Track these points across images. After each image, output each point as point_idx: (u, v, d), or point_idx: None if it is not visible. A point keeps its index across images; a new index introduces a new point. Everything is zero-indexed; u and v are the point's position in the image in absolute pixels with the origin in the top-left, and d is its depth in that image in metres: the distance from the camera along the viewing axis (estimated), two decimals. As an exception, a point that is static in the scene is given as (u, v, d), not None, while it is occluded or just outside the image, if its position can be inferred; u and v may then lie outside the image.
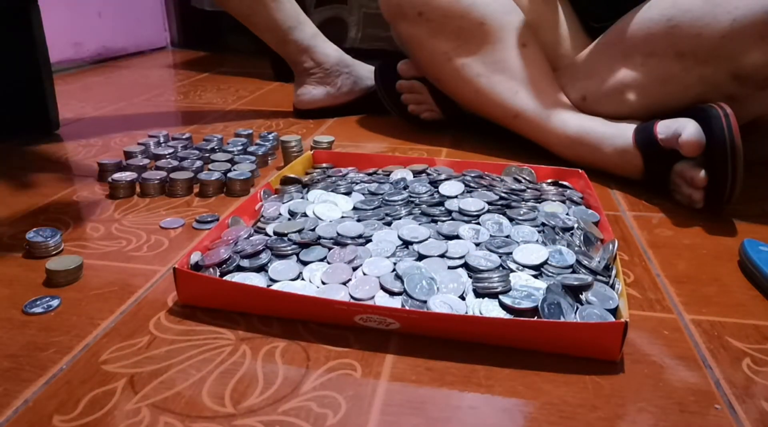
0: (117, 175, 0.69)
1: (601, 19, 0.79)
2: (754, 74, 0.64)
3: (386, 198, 0.61)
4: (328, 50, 1.05)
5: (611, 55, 0.75)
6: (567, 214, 0.58)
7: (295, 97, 1.06)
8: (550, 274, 0.47)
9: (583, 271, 0.47)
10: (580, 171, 0.67)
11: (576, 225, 0.56)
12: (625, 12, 0.74)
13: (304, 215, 0.57)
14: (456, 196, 0.61)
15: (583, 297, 0.44)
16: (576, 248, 0.50)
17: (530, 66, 0.80)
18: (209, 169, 0.73)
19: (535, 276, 0.47)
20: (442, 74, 0.85)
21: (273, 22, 1.01)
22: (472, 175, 0.67)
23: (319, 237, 0.53)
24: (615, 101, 0.75)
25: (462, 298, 0.44)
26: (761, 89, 0.66)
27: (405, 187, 0.64)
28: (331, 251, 0.50)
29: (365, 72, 1.07)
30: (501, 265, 0.48)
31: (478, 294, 0.45)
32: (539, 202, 0.61)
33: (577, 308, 0.43)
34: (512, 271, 0.47)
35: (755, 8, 0.61)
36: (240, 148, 0.81)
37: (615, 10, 0.76)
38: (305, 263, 0.49)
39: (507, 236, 0.53)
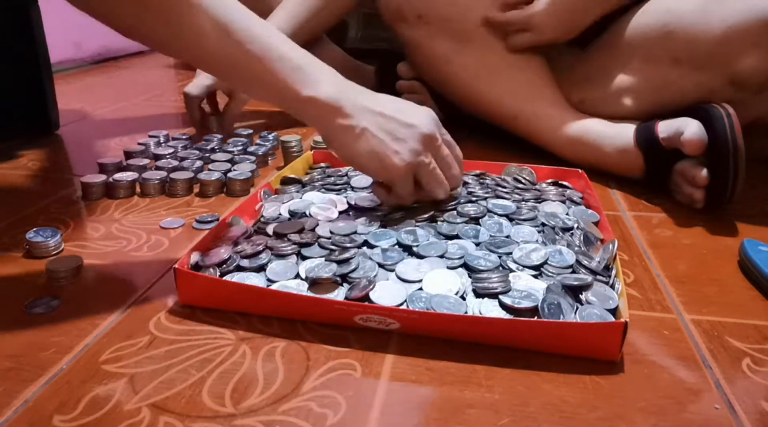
0: (118, 175, 0.69)
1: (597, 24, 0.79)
2: (749, 80, 0.64)
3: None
4: (333, 53, 1.05)
5: (609, 59, 0.75)
6: (567, 214, 0.58)
7: None
8: (550, 274, 0.47)
9: (583, 271, 0.47)
10: (580, 171, 0.68)
11: (576, 225, 0.56)
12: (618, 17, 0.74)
13: (304, 214, 0.57)
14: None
15: (583, 297, 0.44)
16: (576, 248, 0.50)
17: (529, 68, 0.80)
18: (209, 169, 0.73)
19: (535, 276, 0.47)
20: (442, 76, 0.85)
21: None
22: (473, 175, 0.67)
23: (319, 237, 0.53)
24: (613, 105, 0.75)
25: (462, 298, 0.44)
26: (758, 94, 0.66)
27: None
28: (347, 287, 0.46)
29: (368, 74, 1.08)
30: (501, 265, 0.48)
31: (478, 294, 0.45)
32: (539, 202, 0.61)
33: (577, 308, 0.43)
34: (512, 271, 0.47)
35: (748, 15, 0.61)
36: (240, 148, 0.81)
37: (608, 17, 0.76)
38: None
39: (507, 236, 0.53)
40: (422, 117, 0.54)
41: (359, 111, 0.52)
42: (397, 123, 0.53)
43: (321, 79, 0.52)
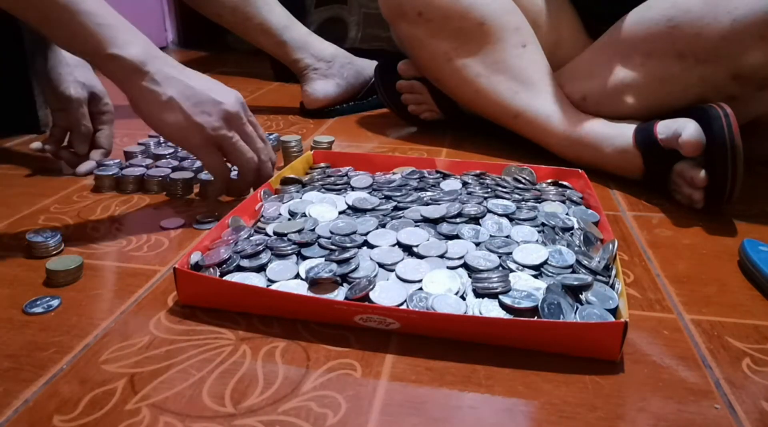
0: (127, 171, 0.70)
1: (604, 19, 0.79)
2: (753, 74, 0.64)
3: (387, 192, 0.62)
4: (324, 45, 1.07)
5: (611, 56, 0.75)
6: (567, 214, 0.58)
7: (305, 97, 1.06)
8: (550, 274, 0.47)
9: (583, 271, 0.47)
10: (580, 171, 0.67)
11: (576, 225, 0.56)
12: (627, 11, 0.74)
13: (304, 215, 0.57)
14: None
15: (583, 297, 0.44)
16: (576, 248, 0.50)
17: (530, 66, 0.80)
18: (209, 169, 0.73)
19: (535, 276, 0.47)
20: (442, 74, 0.85)
21: (267, 23, 1.03)
22: (473, 174, 0.67)
23: (319, 237, 0.53)
24: (615, 102, 0.75)
25: (462, 298, 0.44)
26: (761, 89, 0.66)
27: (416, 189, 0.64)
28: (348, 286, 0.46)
29: (364, 63, 1.09)
30: (501, 265, 0.48)
31: (478, 294, 0.45)
32: (539, 202, 0.61)
33: (577, 308, 0.43)
34: (512, 271, 0.47)
35: (755, 8, 0.61)
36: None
37: (618, 10, 0.76)
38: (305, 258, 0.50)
39: (507, 236, 0.53)
40: (229, 96, 0.60)
41: (167, 79, 0.56)
42: (204, 98, 0.57)
43: (131, 41, 0.55)
